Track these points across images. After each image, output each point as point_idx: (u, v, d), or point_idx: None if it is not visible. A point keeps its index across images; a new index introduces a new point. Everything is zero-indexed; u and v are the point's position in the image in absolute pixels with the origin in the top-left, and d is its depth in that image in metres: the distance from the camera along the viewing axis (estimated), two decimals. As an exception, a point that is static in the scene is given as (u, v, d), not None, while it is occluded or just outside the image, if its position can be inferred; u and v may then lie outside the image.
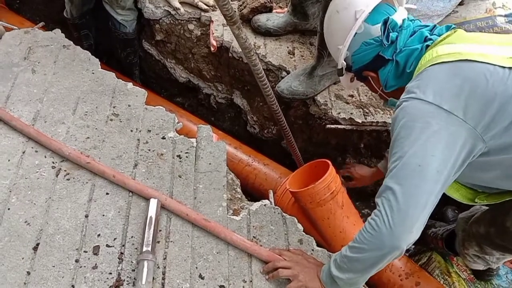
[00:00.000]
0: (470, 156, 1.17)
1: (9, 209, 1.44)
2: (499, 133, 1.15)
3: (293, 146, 2.07)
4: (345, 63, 1.46)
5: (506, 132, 1.15)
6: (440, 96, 1.14)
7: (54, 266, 1.34)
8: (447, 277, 2.04)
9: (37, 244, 1.38)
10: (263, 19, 2.33)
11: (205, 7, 2.40)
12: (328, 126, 2.11)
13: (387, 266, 2.06)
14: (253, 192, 2.32)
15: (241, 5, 2.41)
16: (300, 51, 2.33)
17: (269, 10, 2.37)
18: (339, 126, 2.09)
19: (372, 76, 1.43)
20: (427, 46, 1.30)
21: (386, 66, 1.36)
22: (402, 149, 1.16)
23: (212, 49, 2.32)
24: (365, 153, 2.28)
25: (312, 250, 1.53)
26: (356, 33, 1.39)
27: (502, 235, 1.55)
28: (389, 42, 1.33)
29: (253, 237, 1.52)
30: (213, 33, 2.33)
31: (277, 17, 2.33)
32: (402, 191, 1.13)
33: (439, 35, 1.31)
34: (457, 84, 1.14)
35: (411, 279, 1.96)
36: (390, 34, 1.33)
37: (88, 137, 1.69)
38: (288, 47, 2.32)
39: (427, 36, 1.33)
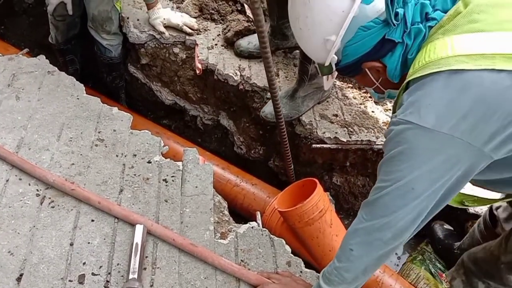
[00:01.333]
0: (473, 174, 1.05)
1: (-8, 239, 1.42)
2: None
3: (289, 161, 2.08)
4: (335, 57, 1.19)
5: None
6: (443, 120, 0.98)
7: (38, 297, 1.32)
8: (436, 293, 2.05)
9: (21, 275, 1.36)
10: (244, 43, 2.35)
11: (190, 31, 2.42)
12: (314, 145, 2.12)
13: (377, 284, 2.06)
14: (241, 212, 2.32)
15: (225, 29, 2.44)
16: (284, 72, 2.36)
17: (253, 33, 2.40)
18: (325, 146, 2.11)
19: (374, 67, 1.18)
20: (429, 27, 1.10)
21: (394, 51, 1.13)
22: (396, 173, 1.06)
23: (197, 71, 2.33)
24: (351, 171, 2.29)
25: (301, 272, 1.52)
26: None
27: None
28: (399, 21, 1.10)
29: (241, 260, 1.51)
30: (198, 56, 2.35)
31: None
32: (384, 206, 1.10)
33: (443, 11, 1.10)
34: (465, 105, 0.97)
35: (402, 298, 1.95)
36: (398, 10, 1.09)
37: (73, 164, 1.68)
38: (272, 68, 2.34)
39: (428, 13, 1.11)
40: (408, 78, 1.08)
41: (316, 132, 2.13)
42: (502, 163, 1.04)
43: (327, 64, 1.21)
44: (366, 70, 1.20)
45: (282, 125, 1.92)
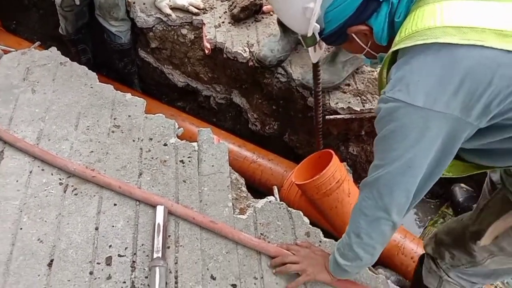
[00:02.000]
0: (461, 141, 1.03)
1: (21, 228, 1.49)
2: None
3: (320, 131, 2.10)
4: (318, 26, 1.12)
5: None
6: (433, 98, 0.95)
7: (69, 280, 1.38)
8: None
9: (51, 260, 1.42)
10: (269, 54, 2.21)
11: (196, 10, 2.42)
12: (328, 117, 2.12)
13: (399, 249, 2.08)
14: (260, 188, 2.35)
15: (231, 5, 2.42)
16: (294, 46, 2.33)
17: (259, 8, 2.38)
18: (338, 116, 2.10)
19: (360, 31, 1.11)
20: None
21: (379, 11, 1.06)
22: (391, 152, 1.04)
23: (206, 51, 2.34)
24: (367, 139, 2.28)
25: (320, 241, 1.55)
26: None
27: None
28: None
29: (261, 234, 1.54)
30: (206, 36, 2.35)
31: (276, 43, 2.21)
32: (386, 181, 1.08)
33: None
34: (454, 82, 0.94)
35: (424, 261, 1.96)
36: None
37: (92, 151, 1.73)
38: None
39: None
40: (394, 47, 1.03)
41: (329, 103, 2.13)
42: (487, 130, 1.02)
43: (309, 34, 1.14)
44: (353, 35, 1.13)
45: (319, 93, 1.91)
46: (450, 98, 0.94)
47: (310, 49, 1.31)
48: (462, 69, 0.93)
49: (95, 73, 2.04)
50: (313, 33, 1.14)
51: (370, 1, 1.05)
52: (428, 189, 1.10)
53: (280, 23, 2.23)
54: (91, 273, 1.41)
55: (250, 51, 2.28)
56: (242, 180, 1.83)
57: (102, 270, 1.41)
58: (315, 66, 1.82)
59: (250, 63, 2.28)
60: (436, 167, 1.05)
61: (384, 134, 1.04)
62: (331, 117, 2.11)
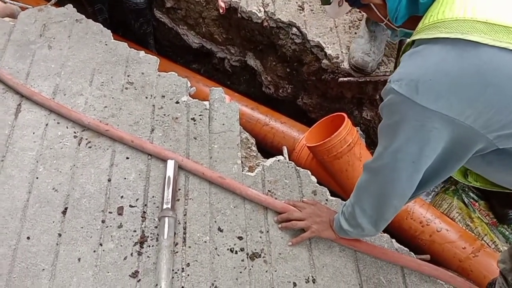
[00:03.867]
0: (473, 150, 0.93)
1: (37, 178, 1.54)
2: None
3: None
4: None
5: None
6: (445, 102, 0.84)
7: (82, 227, 1.44)
8: (469, 222, 2.05)
9: (66, 208, 1.48)
10: (368, 59, 2.02)
11: (212, -31, 2.39)
12: (341, 79, 2.09)
13: (408, 214, 2.08)
14: (272, 150, 2.36)
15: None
16: (310, 5, 2.29)
17: None
18: (352, 79, 2.08)
19: (374, 3, 1.05)
20: None
21: None
22: (395, 143, 0.98)
23: (221, 11, 2.31)
24: (381, 104, 2.26)
25: (326, 200, 1.57)
26: None
27: None
28: None
29: (268, 191, 1.57)
30: (221, -5, 2.33)
31: (369, 45, 2.02)
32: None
33: None
34: (474, 90, 0.81)
35: (433, 225, 1.97)
36: None
37: (105, 106, 1.76)
38: (297, 2, 2.29)
39: None
40: (415, 35, 0.91)
41: (343, 65, 2.10)
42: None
43: None
44: (371, 5, 1.06)
45: None
46: (465, 106, 0.83)
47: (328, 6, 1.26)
48: (486, 75, 0.80)
49: (109, 31, 2.05)
50: None
51: None
52: (435, 184, 1.06)
53: (368, 24, 2.01)
54: (103, 221, 1.46)
55: (265, 11, 2.25)
56: (252, 140, 1.84)
57: (114, 219, 1.46)
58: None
59: (265, 24, 2.26)
60: (440, 169, 0.99)
61: (389, 124, 0.97)
62: (345, 79, 2.09)
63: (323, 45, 2.12)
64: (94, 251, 1.40)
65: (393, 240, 1.52)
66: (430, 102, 0.85)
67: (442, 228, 1.97)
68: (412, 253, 1.52)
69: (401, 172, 1.01)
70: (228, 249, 1.42)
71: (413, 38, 0.91)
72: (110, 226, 1.45)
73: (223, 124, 1.74)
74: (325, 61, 2.15)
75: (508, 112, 0.81)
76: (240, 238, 1.44)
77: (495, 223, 2.06)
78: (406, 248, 1.52)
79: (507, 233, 2.02)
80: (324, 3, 1.21)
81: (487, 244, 1.97)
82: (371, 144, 2.37)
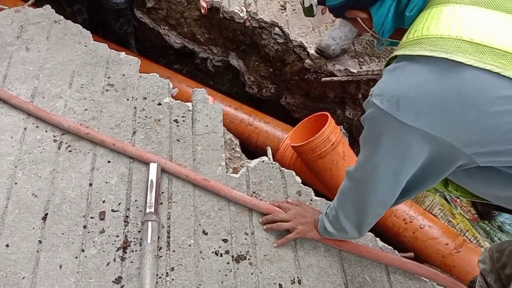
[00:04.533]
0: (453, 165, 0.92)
1: (16, 183, 1.50)
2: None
3: None
4: (315, 0, 1.06)
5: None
6: (425, 119, 0.83)
7: (63, 234, 1.41)
8: (451, 218, 2.08)
9: (46, 214, 1.45)
10: (331, 42, 2.07)
11: (193, -31, 2.37)
12: (324, 79, 2.10)
13: (391, 211, 2.10)
14: (256, 150, 2.36)
15: (228, -37, 2.36)
16: (292, 5, 2.30)
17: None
18: (335, 78, 2.08)
19: (360, 17, 1.03)
20: None
21: (383, 2, 0.95)
22: (376, 156, 0.97)
23: (202, 11, 2.30)
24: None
25: (311, 200, 1.57)
26: None
27: None
28: None
29: (253, 192, 1.56)
30: (202, -5, 2.31)
31: (338, 30, 2.06)
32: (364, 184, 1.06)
33: None
34: (456, 111, 0.80)
35: (416, 222, 1.99)
36: None
37: (86, 109, 1.73)
38: (279, 2, 2.29)
39: None
40: (399, 50, 0.88)
41: (326, 65, 2.10)
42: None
43: (306, 5, 1.08)
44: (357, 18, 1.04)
45: None
46: (446, 126, 0.82)
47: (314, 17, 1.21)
48: (468, 97, 0.78)
49: (89, 32, 2.02)
50: (311, 5, 1.07)
51: None
52: (417, 194, 1.07)
53: None
54: (84, 226, 1.43)
55: (247, 11, 2.24)
56: (236, 141, 1.83)
57: (96, 224, 1.44)
58: None
59: (247, 24, 2.25)
60: (422, 181, 0.99)
61: (369, 136, 0.97)
62: (328, 79, 2.10)
63: (306, 45, 2.12)
64: (76, 258, 1.37)
65: (378, 239, 1.53)
66: (411, 120, 0.84)
67: (425, 224, 1.99)
68: (396, 251, 1.53)
69: (382, 183, 1.01)
70: (213, 252, 1.40)
71: (396, 53, 0.89)
72: (92, 231, 1.43)
73: (207, 126, 1.72)
74: (307, 60, 2.15)
75: (489, 133, 0.80)
76: (225, 240, 1.43)
77: (476, 219, 2.09)
78: (390, 247, 1.53)
79: (488, 228, 2.06)
80: (308, 15, 1.16)
81: (469, 239, 2.00)
82: (355, 142, 2.38)
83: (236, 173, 1.62)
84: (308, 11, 1.09)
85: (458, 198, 2.12)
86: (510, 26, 0.78)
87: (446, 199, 2.12)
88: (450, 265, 1.89)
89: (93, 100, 1.76)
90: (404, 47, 0.87)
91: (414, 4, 0.91)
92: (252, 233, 1.46)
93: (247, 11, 2.24)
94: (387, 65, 0.93)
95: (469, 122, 0.80)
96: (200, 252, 1.40)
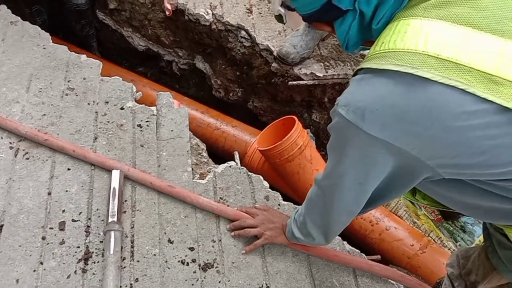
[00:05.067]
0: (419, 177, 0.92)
1: (-32, 193, 1.42)
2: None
3: None
4: (282, 10, 1.08)
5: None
6: (390, 131, 0.83)
7: (20, 246, 1.34)
8: (416, 219, 2.11)
9: (1, 226, 1.37)
10: (291, 51, 2.07)
11: (157, -30, 2.32)
12: (291, 83, 2.10)
13: (358, 214, 2.12)
14: (224, 155, 2.33)
15: (193, -35, 2.33)
16: (258, 8, 2.28)
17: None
18: (301, 82, 2.09)
19: (327, 31, 1.04)
20: None
21: (345, 18, 0.95)
22: (342, 165, 0.96)
23: (167, 13, 2.25)
24: (330, 106, 2.29)
25: (279, 205, 1.55)
26: None
27: None
28: None
29: (220, 198, 1.53)
30: (166, -3, 2.27)
31: (299, 38, 2.07)
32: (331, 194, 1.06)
33: None
34: (420, 124, 0.80)
35: (382, 224, 2.02)
36: None
37: (44, 114, 1.65)
38: (245, 5, 2.27)
39: None
40: (365, 62, 0.88)
41: (293, 69, 2.10)
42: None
43: (275, 13, 1.09)
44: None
45: None
46: (411, 139, 0.82)
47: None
48: (432, 111, 0.78)
49: (48, 33, 1.94)
50: (281, 14, 1.09)
51: (333, 6, 0.92)
52: (383, 204, 1.08)
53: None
54: (43, 238, 1.37)
55: (213, 14, 2.21)
56: (203, 146, 1.80)
57: (55, 235, 1.38)
58: None
59: (213, 27, 2.22)
60: (387, 192, 0.99)
61: (336, 145, 0.97)
62: (294, 83, 2.10)
63: (272, 48, 2.12)
64: (34, 271, 1.30)
65: (345, 242, 1.53)
66: (376, 131, 0.84)
67: (391, 226, 2.02)
68: (363, 254, 1.54)
69: (347, 192, 1.01)
70: (179, 261, 1.37)
71: (363, 65, 0.89)
72: (51, 242, 1.36)
73: (172, 131, 1.69)
74: (274, 64, 2.14)
75: (453, 148, 0.80)
76: (192, 249, 1.39)
77: (440, 219, 2.13)
78: (357, 250, 1.53)
79: (451, 228, 2.11)
80: (279, 21, 1.16)
81: (433, 240, 2.04)
82: (321, 146, 2.40)
83: (203, 179, 1.59)
84: (279, 19, 1.10)
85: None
86: (476, 42, 0.78)
87: (411, 201, 2.16)
88: (416, 266, 1.92)
89: (52, 104, 1.68)
90: (370, 59, 0.87)
91: (381, 17, 0.90)
92: (220, 240, 1.43)
93: (212, 14, 2.21)
94: (354, 75, 0.93)
95: (433, 136, 0.80)
96: (166, 261, 1.36)
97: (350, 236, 2.05)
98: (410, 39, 0.81)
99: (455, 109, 0.77)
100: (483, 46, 0.78)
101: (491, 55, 0.77)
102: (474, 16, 0.80)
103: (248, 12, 2.24)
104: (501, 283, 1.23)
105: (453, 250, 2.02)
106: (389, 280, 1.47)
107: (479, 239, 2.00)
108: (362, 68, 0.89)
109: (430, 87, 0.77)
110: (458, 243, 2.06)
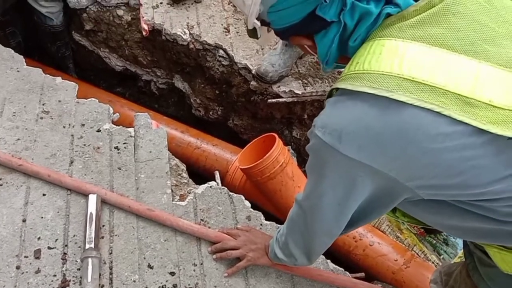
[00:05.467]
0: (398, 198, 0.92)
1: None
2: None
3: None
4: (258, 23, 0.98)
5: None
6: (366, 153, 0.83)
7: (-7, 277, 1.29)
8: (399, 234, 2.11)
9: (-28, 256, 1.32)
10: (270, 69, 2.07)
11: (133, -10, 2.32)
12: (270, 100, 2.10)
13: (342, 231, 2.11)
14: (205, 174, 2.31)
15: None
16: (235, 28, 2.29)
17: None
18: (280, 100, 2.09)
19: (304, 44, 0.99)
20: (387, 15, 0.86)
21: (328, 30, 0.91)
22: (320, 186, 0.96)
23: (144, 33, 2.24)
24: (309, 123, 2.29)
25: (261, 224, 1.53)
26: None
27: None
28: None
29: (201, 219, 1.51)
30: (143, 17, 2.25)
31: (277, 57, 2.07)
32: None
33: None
34: (395, 147, 0.80)
35: (365, 240, 2.01)
36: None
37: (18, 139, 1.61)
38: (222, 24, 2.28)
39: None
40: (340, 82, 0.87)
41: (271, 87, 2.11)
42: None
43: (249, 27, 1.00)
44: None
45: None
46: (387, 160, 0.82)
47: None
48: (408, 134, 0.78)
49: (22, 56, 1.91)
50: (254, 28, 1.00)
51: (317, 17, 0.89)
52: (364, 224, 1.09)
53: None
54: (18, 267, 1.31)
55: (190, 33, 2.21)
56: (183, 166, 1.77)
57: (30, 264, 1.33)
58: None
59: (191, 46, 2.22)
60: (367, 213, 0.98)
61: (314, 166, 0.96)
62: (274, 100, 2.10)
63: (250, 67, 2.12)
64: (8, 302, 1.25)
65: (328, 261, 1.52)
66: (353, 153, 0.83)
67: (374, 241, 2.01)
68: (347, 272, 1.52)
69: (327, 213, 0.99)
70: (160, 287, 1.33)
71: (338, 85, 0.87)
72: (26, 272, 1.31)
73: (150, 152, 1.66)
74: (253, 82, 2.14)
75: (430, 169, 0.80)
76: (172, 273, 1.36)
77: (423, 233, 2.14)
78: (341, 268, 1.52)
79: (434, 242, 2.11)
80: (252, 37, 1.08)
81: (417, 254, 2.04)
82: (303, 162, 2.39)
83: (183, 201, 1.56)
84: (252, 33, 1.03)
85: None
86: (450, 64, 0.78)
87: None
88: (401, 281, 1.91)
89: (26, 129, 1.64)
90: (345, 79, 0.85)
91: (358, 35, 0.88)
92: (201, 264, 1.40)
93: (190, 34, 2.21)
94: (329, 95, 0.92)
95: (409, 158, 0.80)
96: (146, 287, 1.32)
97: (334, 252, 2.03)
98: (385, 61, 0.80)
99: (430, 131, 0.77)
100: (458, 68, 0.77)
101: (466, 77, 0.77)
102: (448, 37, 0.80)
103: (226, 32, 2.24)
104: None
105: (437, 263, 2.02)
106: (374, 297, 1.46)
107: (461, 252, 2.01)
108: (337, 89, 0.88)
109: (405, 110, 0.77)
110: (442, 256, 2.06)
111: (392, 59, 0.80)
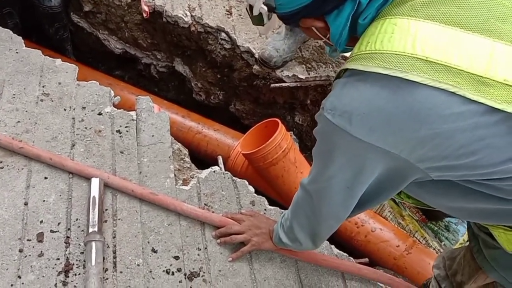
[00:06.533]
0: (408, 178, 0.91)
1: None
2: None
3: None
4: (265, 8, 0.95)
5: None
6: (378, 135, 0.82)
7: (-5, 260, 1.27)
8: (400, 220, 2.12)
9: (-26, 240, 1.30)
10: (274, 54, 2.03)
11: (133, -29, 2.27)
12: (273, 85, 2.08)
13: (343, 217, 2.11)
14: (206, 159, 2.29)
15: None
16: (238, 10, 2.26)
17: None
18: (283, 84, 2.07)
19: (315, 27, 0.96)
20: None
21: (342, 9, 0.88)
22: (329, 169, 0.95)
23: (144, 15, 2.20)
24: (312, 108, 2.27)
25: (265, 209, 1.53)
26: None
27: None
28: None
29: (205, 204, 1.49)
30: (144, -2, 2.21)
31: (282, 42, 2.03)
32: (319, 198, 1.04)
33: None
34: (408, 127, 0.79)
35: (367, 226, 2.01)
36: None
37: (18, 121, 1.59)
38: (224, 7, 2.24)
39: None
40: (350, 62, 0.85)
41: (274, 71, 2.08)
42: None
43: (255, 13, 0.97)
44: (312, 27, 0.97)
45: None
46: (399, 141, 0.81)
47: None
48: (420, 114, 0.77)
49: (20, 37, 1.87)
50: (260, 13, 0.97)
51: None
52: (372, 208, 1.08)
53: None
54: (20, 250, 1.30)
55: (191, 15, 2.17)
56: (185, 151, 1.76)
57: (33, 247, 1.31)
58: None
59: (192, 28, 2.18)
60: (376, 195, 0.97)
61: (322, 149, 0.95)
62: (277, 85, 2.08)
63: (253, 50, 2.09)
64: (12, 285, 1.23)
65: (332, 246, 1.52)
66: (364, 135, 0.82)
67: (376, 228, 2.02)
68: (351, 258, 1.52)
69: (335, 196, 0.99)
70: (164, 271, 1.32)
71: (348, 66, 0.85)
72: (29, 255, 1.30)
73: (153, 136, 1.64)
74: (256, 67, 2.12)
75: (442, 149, 0.79)
76: (177, 257, 1.35)
77: (425, 220, 2.14)
78: (345, 254, 1.52)
79: (435, 228, 2.12)
80: (257, 24, 1.05)
81: (419, 240, 2.05)
82: (305, 148, 2.38)
83: (186, 185, 1.54)
84: (258, 20, 1.00)
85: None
86: (464, 43, 0.77)
87: (395, 202, 2.16)
88: (402, 267, 1.92)
89: (26, 111, 1.62)
90: (356, 60, 0.83)
91: (368, 13, 0.86)
92: (205, 248, 1.39)
93: (191, 16, 2.17)
94: (337, 76, 0.90)
95: (421, 138, 0.79)
96: (150, 271, 1.31)
97: (336, 238, 2.03)
98: (398, 40, 0.79)
99: (443, 111, 0.76)
100: (472, 47, 0.76)
101: (480, 56, 0.76)
102: (462, 16, 0.79)
103: (228, 14, 2.21)
104: (487, 282, 1.24)
105: (438, 249, 2.03)
106: (378, 283, 1.46)
107: (463, 238, 2.02)
108: (346, 69, 0.87)
109: (417, 90, 0.76)
110: (443, 243, 2.07)
111: (405, 39, 0.78)
